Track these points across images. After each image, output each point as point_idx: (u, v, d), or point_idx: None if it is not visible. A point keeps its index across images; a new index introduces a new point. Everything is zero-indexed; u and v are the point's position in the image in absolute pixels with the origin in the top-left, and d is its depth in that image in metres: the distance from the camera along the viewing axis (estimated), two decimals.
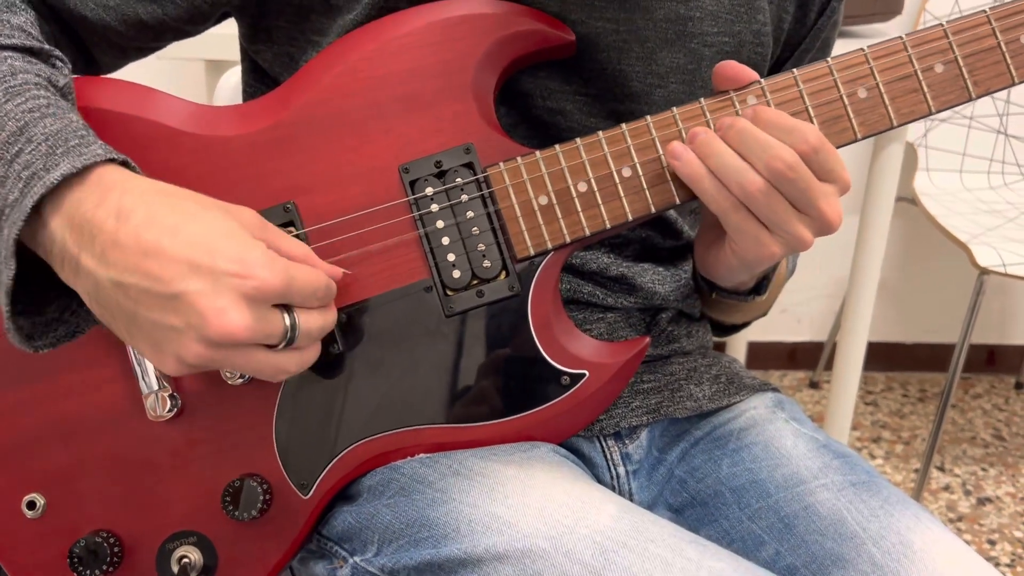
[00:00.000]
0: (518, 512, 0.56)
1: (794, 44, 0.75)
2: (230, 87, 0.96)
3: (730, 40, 0.69)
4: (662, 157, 0.61)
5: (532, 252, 0.61)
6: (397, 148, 0.61)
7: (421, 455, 0.62)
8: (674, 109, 0.61)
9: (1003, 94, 1.83)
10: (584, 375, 0.62)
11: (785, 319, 2.12)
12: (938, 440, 1.61)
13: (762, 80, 0.61)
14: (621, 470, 0.72)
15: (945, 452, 1.87)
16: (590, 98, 0.68)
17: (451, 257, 0.61)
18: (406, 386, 0.62)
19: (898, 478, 1.79)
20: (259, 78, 0.75)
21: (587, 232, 0.61)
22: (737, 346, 2.04)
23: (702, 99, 0.61)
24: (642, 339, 0.65)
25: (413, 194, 0.61)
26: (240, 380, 0.60)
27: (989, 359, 2.17)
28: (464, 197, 0.61)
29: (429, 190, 0.61)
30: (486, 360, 0.62)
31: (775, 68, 0.75)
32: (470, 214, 0.61)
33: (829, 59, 0.61)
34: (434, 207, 0.61)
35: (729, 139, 0.58)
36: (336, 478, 0.62)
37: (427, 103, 0.62)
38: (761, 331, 2.10)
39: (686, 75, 0.68)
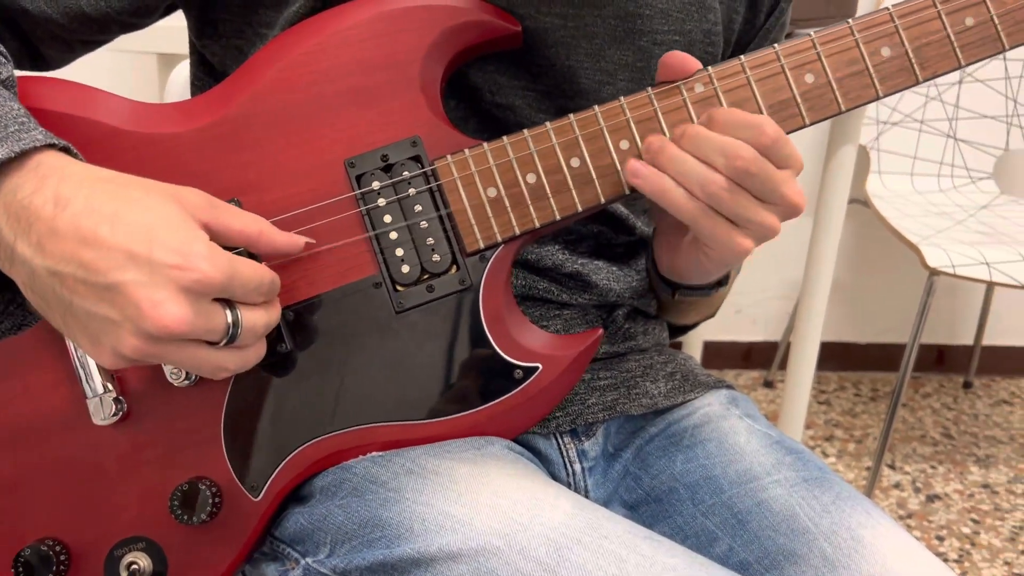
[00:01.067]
0: (472, 510, 0.55)
1: (744, 44, 0.75)
2: (181, 81, 0.94)
3: (680, 39, 0.69)
4: (611, 147, 0.60)
5: (482, 245, 0.61)
6: (343, 142, 0.60)
7: (374, 454, 0.61)
8: (622, 99, 0.60)
9: (952, 99, 1.87)
10: (537, 368, 0.62)
11: (740, 319, 2.14)
12: (889, 439, 1.64)
13: (709, 68, 0.60)
14: (577, 467, 0.71)
15: (896, 450, 1.90)
16: (539, 94, 0.67)
17: (400, 252, 0.60)
18: (357, 384, 0.60)
19: (850, 476, 1.81)
20: (207, 72, 0.73)
21: (537, 224, 0.61)
22: (693, 345, 2.05)
23: (649, 88, 0.61)
24: (595, 331, 0.65)
25: (360, 189, 0.60)
26: (187, 382, 0.59)
27: (939, 359, 2.21)
28: (412, 191, 0.60)
29: (376, 184, 0.60)
30: (438, 355, 0.61)
31: None
32: (418, 208, 0.60)
33: (776, 45, 0.60)
34: (381, 201, 0.60)
35: (685, 146, 0.58)
36: (287, 479, 0.60)
37: (373, 96, 0.61)
38: (717, 331, 2.12)
39: (635, 72, 0.68)
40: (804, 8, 1.47)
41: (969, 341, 2.17)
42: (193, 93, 0.76)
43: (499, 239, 0.61)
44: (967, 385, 2.18)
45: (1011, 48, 0.62)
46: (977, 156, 1.91)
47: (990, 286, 2.03)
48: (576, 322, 0.73)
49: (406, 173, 0.60)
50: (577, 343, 0.64)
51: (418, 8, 0.62)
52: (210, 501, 0.58)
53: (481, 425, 0.62)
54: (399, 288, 0.60)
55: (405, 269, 0.60)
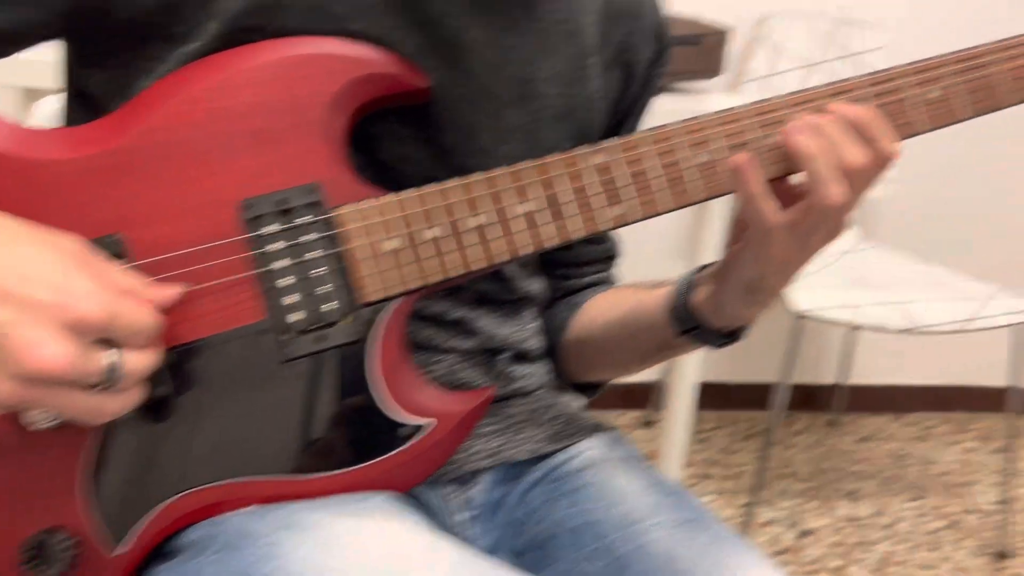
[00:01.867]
0: (353, 566, 0.54)
1: (620, 114, 0.79)
2: (46, 115, 0.91)
3: (565, 104, 0.71)
4: (514, 208, 0.62)
5: (377, 297, 0.60)
6: (239, 183, 0.59)
7: (252, 507, 0.59)
8: (528, 162, 0.62)
9: None
10: (427, 424, 0.62)
11: None
12: (763, 476, 1.70)
13: (615, 139, 0.63)
14: (462, 516, 0.71)
15: (770, 487, 1.97)
16: (439, 149, 0.68)
17: (290, 299, 0.59)
18: (237, 434, 0.59)
19: (727, 513, 1.87)
20: (84, 104, 0.71)
21: (435, 279, 0.61)
22: None
23: (555, 154, 0.63)
24: (487, 389, 0.66)
25: (253, 231, 0.59)
26: (47, 424, 0.56)
27: (807, 397, 2.32)
28: (307, 237, 0.59)
29: (270, 228, 0.59)
30: (325, 408, 0.60)
31: (606, 136, 0.78)
32: (313, 255, 0.59)
33: (677, 122, 0.63)
34: (274, 246, 0.59)
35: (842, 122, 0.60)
36: (154, 532, 0.57)
37: (274, 139, 0.60)
38: None
39: (528, 134, 0.70)
40: (676, 62, 1.53)
41: (835, 380, 2.28)
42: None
43: (394, 292, 0.60)
44: (834, 423, 2.29)
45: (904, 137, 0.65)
46: None
47: (853, 328, 2.15)
48: (459, 367, 0.73)
49: (303, 219, 0.60)
50: (468, 400, 0.64)
51: (326, 56, 0.62)
52: (65, 554, 0.55)
53: (368, 481, 0.61)
54: (287, 336, 0.59)
55: (294, 317, 0.59)
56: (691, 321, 0.72)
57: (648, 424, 2.19)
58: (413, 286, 0.61)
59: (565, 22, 0.71)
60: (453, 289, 0.72)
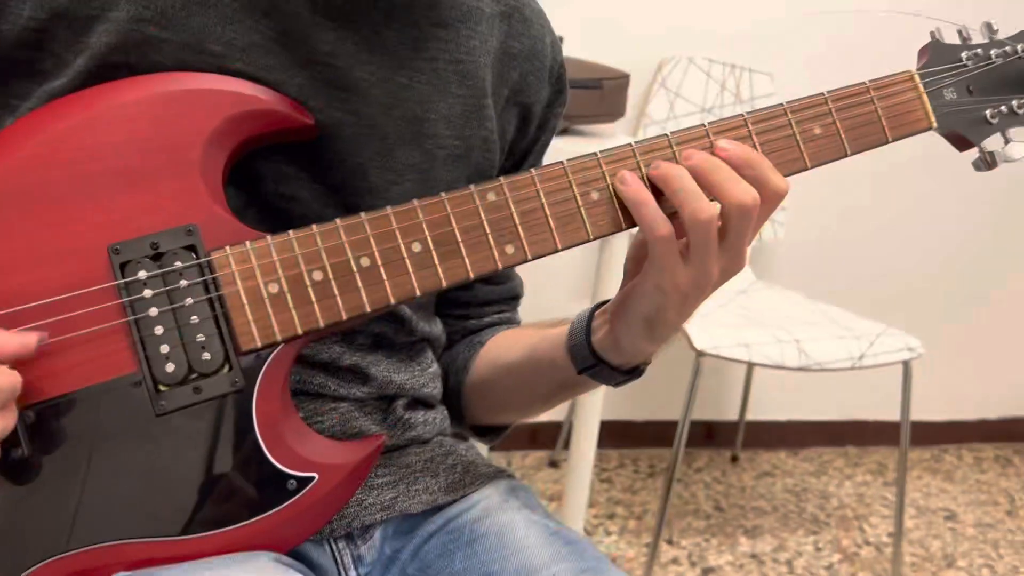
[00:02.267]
0: None
1: (518, 154, 0.79)
2: None
3: (461, 143, 0.70)
4: (403, 249, 0.60)
5: (259, 344, 0.57)
6: (108, 227, 0.56)
7: (121, 574, 0.55)
8: (415, 201, 0.60)
9: None
10: (313, 478, 0.59)
11: None
12: (666, 514, 1.70)
13: (502, 178, 0.61)
14: (353, 574, 0.68)
15: (673, 525, 1.98)
16: (327, 188, 0.66)
17: (164, 349, 0.56)
18: (107, 495, 0.55)
19: (632, 553, 1.87)
20: None
21: (321, 324, 0.58)
22: None
23: (443, 193, 0.61)
24: (376, 438, 0.63)
25: (123, 277, 0.56)
26: None
27: (708, 434, 2.35)
28: (183, 283, 0.56)
29: (142, 274, 0.56)
30: (203, 464, 0.57)
31: (501, 170, 0.78)
32: (189, 301, 0.56)
33: (564, 162, 0.62)
34: (147, 293, 0.56)
35: (698, 169, 0.60)
36: None
37: (146, 179, 0.57)
38: None
39: (421, 173, 0.69)
40: (578, 106, 1.55)
41: (734, 417, 2.33)
42: None
43: (279, 338, 0.57)
44: (734, 459, 2.33)
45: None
46: None
47: (750, 366, 2.20)
48: (353, 416, 0.71)
49: (178, 263, 0.56)
50: (357, 451, 0.61)
51: (203, 91, 0.59)
52: None
53: (249, 540, 0.58)
54: (161, 388, 0.56)
55: (170, 368, 0.56)
56: (589, 359, 0.70)
57: (554, 464, 2.18)
58: (297, 332, 0.58)
59: (459, 63, 0.70)
60: (346, 333, 0.70)
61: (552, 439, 2.20)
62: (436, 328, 0.79)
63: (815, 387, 2.36)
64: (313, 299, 0.58)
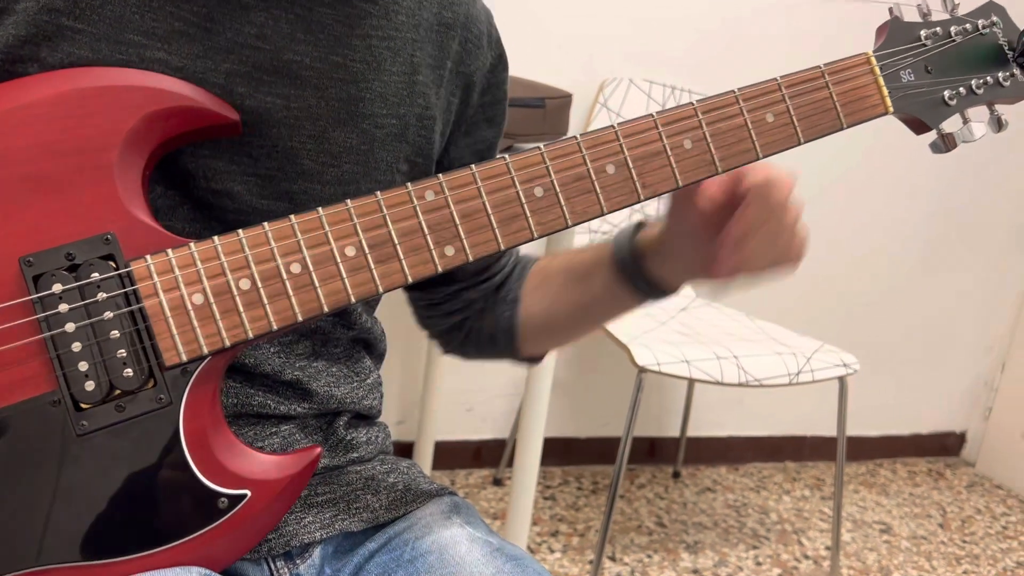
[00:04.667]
0: None
1: (467, 123, 0.77)
2: None
3: (397, 122, 0.69)
4: (336, 253, 0.57)
5: (184, 358, 0.55)
6: (18, 237, 0.53)
7: None
8: (348, 202, 0.58)
9: (653, 210, 2.05)
10: (245, 495, 0.56)
11: (470, 418, 2.16)
12: (608, 530, 1.70)
13: (441, 176, 0.59)
14: None
15: (616, 541, 1.98)
16: (260, 178, 0.63)
17: (84, 366, 0.53)
18: (27, 520, 0.52)
19: (575, 570, 1.86)
20: None
21: (250, 335, 0.56)
22: (424, 447, 2.04)
23: (379, 192, 0.58)
24: (312, 449, 0.61)
25: (37, 291, 0.53)
26: None
27: (650, 450, 2.36)
28: (101, 295, 0.54)
29: (57, 287, 0.53)
30: (129, 484, 0.54)
31: (451, 142, 0.76)
32: (108, 315, 0.54)
33: (507, 156, 0.60)
34: (63, 307, 0.53)
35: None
36: None
37: (58, 185, 0.53)
38: (447, 431, 2.13)
39: (359, 155, 0.67)
40: (521, 124, 1.56)
41: (676, 433, 2.34)
42: None
43: (205, 351, 0.55)
44: (676, 475, 2.34)
45: (723, 171, 0.64)
46: None
47: (691, 382, 2.21)
48: (295, 437, 0.69)
49: (96, 275, 0.53)
50: (291, 465, 0.59)
51: (117, 88, 0.56)
52: None
53: (178, 561, 0.55)
54: (82, 407, 0.53)
55: (90, 386, 0.53)
56: (631, 262, 0.71)
57: (498, 482, 2.16)
58: (224, 344, 0.55)
59: (391, 39, 0.68)
60: (286, 341, 0.68)
61: (496, 457, 2.19)
62: (376, 328, 0.77)
63: (755, 403, 2.40)
64: (240, 308, 0.56)
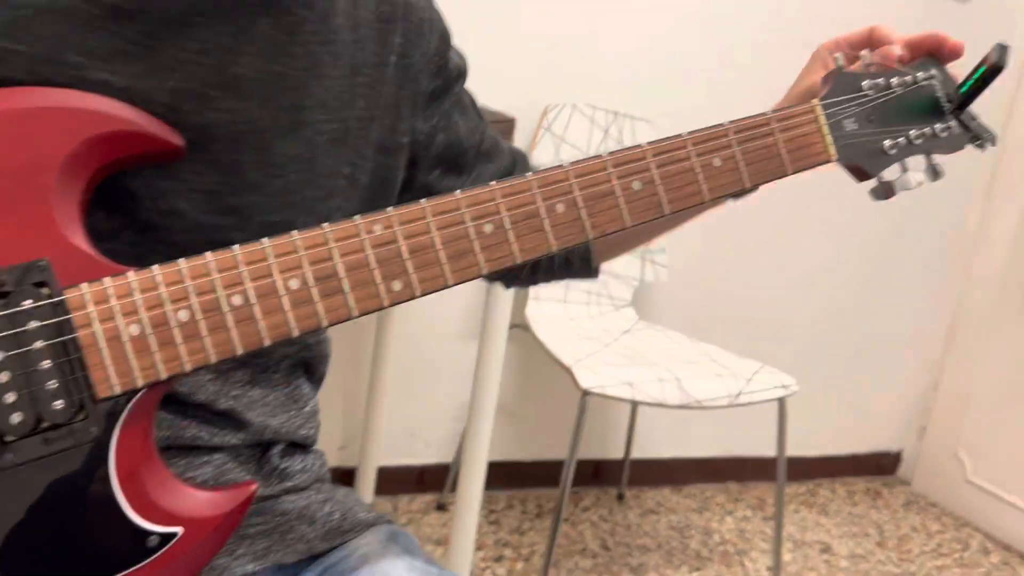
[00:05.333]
0: None
1: (419, 105, 0.76)
2: None
3: (339, 126, 0.68)
4: (280, 286, 0.56)
5: (117, 391, 0.53)
6: None
7: None
8: (295, 233, 0.57)
9: None
10: (176, 534, 0.55)
11: (414, 442, 2.15)
12: (553, 555, 1.70)
13: (391, 209, 0.59)
14: None
15: (560, 565, 1.98)
16: (205, 193, 0.62)
17: (11, 397, 0.51)
18: None
19: None
20: None
21: (187, 368, 0.55)
22: (366, 473, 2.02)
23: (327, 224, 0.58)
24: (247, 486, 0.59)
25: None
26: None
27: (595, 473, 2.37)
28: (32, 324, 0.52)
29: None
30: (55, 521, 0.52)
31: (424, 143, 0.77)
32: (39, 345, 0.52)
33: (459, 192, 0.60)
34: None
35: None
36: None
37: None
38: (390, 455, 2.11)
39: (303, 164, 0.66)
40: None
41: (620, 455, 2.35)
42: None
43: (139, 384, 0.54)
44: (620, 497, 2.35)
45: (671, 213, 0.66)
46: (619, 286, 2.12)
47: (634, 404, 2.23)
48: (228, 467, 0.68)
49: (27, 303, 0.52)
50: (226, 502, 0.58)
51: (57, 110, 0.54)
52: None
53: None
54: (8, 440, 0.51)
55: (16, 418, 0.51)
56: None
57: (442, 508, 2.15)
58: (160, 377, 0.54)
59: (330, 43, 0.68)
60: (222, 369, 0.67)
61: (440, 482, 2.17)
62: (321, 346, 0.76)
63: (698, 424, 2.42)
64: (178, 340, 0.55)
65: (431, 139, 0.78)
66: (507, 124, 1.65)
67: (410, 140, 0.76)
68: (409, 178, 0.78)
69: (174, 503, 0.56)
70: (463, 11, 1.88)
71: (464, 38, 2.04)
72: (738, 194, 0.77)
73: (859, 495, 2.60)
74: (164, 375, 0.55)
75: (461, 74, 0.82)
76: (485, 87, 1.90)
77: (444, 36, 0.79)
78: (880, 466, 2.75)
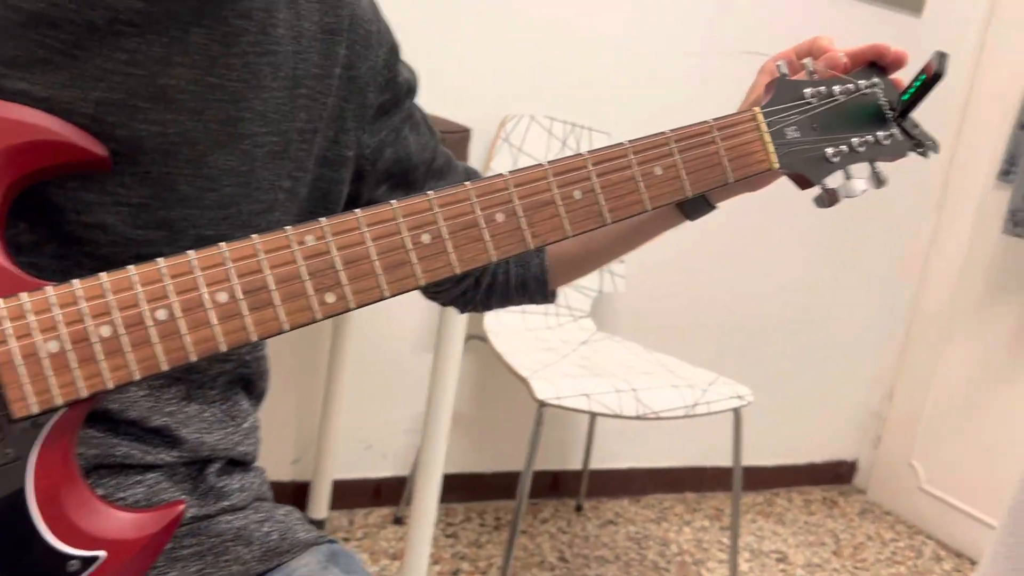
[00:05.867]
0: None
1: (365, 119, 0.75)
2: None
3: (278, 139, 0.67)
4: (206, 297, 0.55)
5: (35, 410, 0.51)
6: None
7: None
8: (222, 245, 0.55)
9: None
10: (98, 557, 0.53)
11: (371, 455, 2.12)
12: (510, 567, 1.69)
13: (323, 220, 0.58)
14: None
15: None
16: (134, 207, 0.61)
17: None
18: None
19: None
20: None
21: (110, 385, 0.53)
22: (321, 486, 2.00)
23: (255, 236, 0.56)
24: (174, 506, 0.58)
25: None
26: None
27: (554, 484, 2.36)
28: None
29: None
30: None
31: (362, 139, 0.76)
32: None
33: (394, 202, 0.59)
34: None
35: None
36: None
37: None
38: (346, 469, 2.08)
39: (240, 177, 0.65)
40: None
41: (579, 466, 2.35)
42: None
43: (58, 403, 0.52)
44: (579, 508, 2.34)
45: (612, 223, 0.65)
46: (578, 297, 2.12)
47: (592, 415, 2.23)
48: (162, 487, 0.66)
49: None
50: (152, 523, 0.56)
51: None
52: None
53: None
54: None
55: None
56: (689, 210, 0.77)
57: (399, 521, 2.12)
58: (80, 395, 0.52)
59: (271, 54, 0.67)
60: (156, 384, 0.65)
61: (397, 495, 2.15)
62: (259, 364, 0.75)
63: (656, 435, 2.43)
64: (100, 357, 0.53)
65: (378, 154, 0.76)
66: (463, 135, 1.64)
67: (356, 154, 0.75)
68: (356, 193, 0.77)
69: (97, 525, 0.54)
70: (419, 21, 1.88)
71: (421, 48, 2.04)
72: (695, 213, 0.77)
73: (815, 504, 2.62)
74: (85, 393, 0.53)
75: (411, 89, 0.80)
76: (442, 98, 1.90)
77: (393, 49, 0.77)
78: (836, 475, 2.77)
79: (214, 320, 0.55)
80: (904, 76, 0.76)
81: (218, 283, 0.55)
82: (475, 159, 1.98)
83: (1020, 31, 2.35)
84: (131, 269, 0.54)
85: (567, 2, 2.01)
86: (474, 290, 0.86)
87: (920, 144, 0.74)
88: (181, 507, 0.58)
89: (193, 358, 0.55)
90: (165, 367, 0.55)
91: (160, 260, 0.54)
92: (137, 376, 0.54)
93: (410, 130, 0.80)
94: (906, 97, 0.72)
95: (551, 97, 2.05)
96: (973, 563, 2.38)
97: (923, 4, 2.36)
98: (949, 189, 2.55)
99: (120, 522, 0.55)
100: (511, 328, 1.99)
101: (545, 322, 2.07)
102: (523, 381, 1.67)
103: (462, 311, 0.89)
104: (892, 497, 2.66)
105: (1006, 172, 2.32)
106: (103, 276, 0.53)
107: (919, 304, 2.64)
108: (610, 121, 2.09)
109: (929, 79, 0.70)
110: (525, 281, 0.85)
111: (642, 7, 2.08)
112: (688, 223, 0.80)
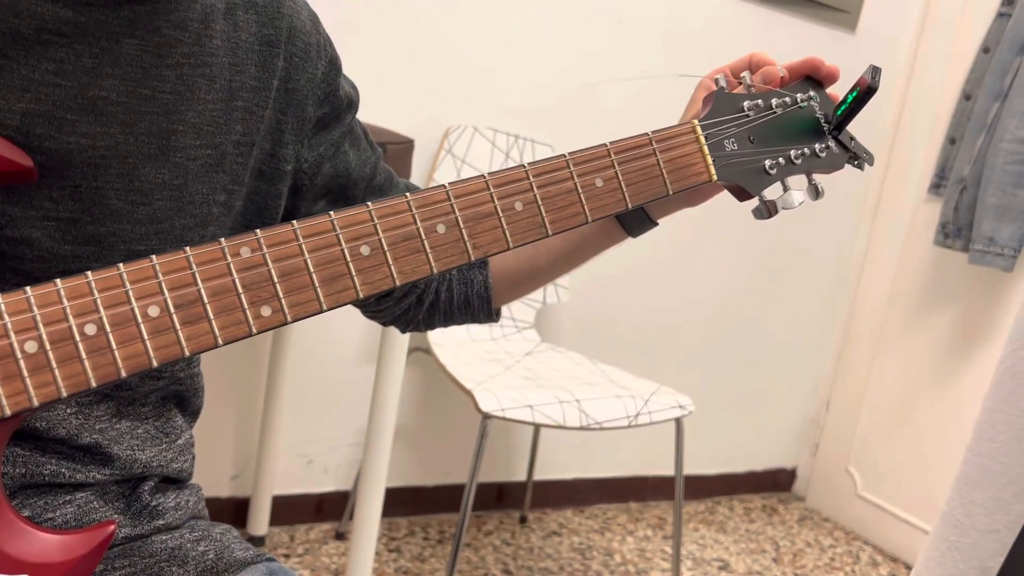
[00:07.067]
0: None
1: (305, 132, 0.74)
2: None
3: (213, 152, 0.66)
4: (137, 314, 0.53)
5: None
6: None
7: None
8: (153, 258, 0.54)
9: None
10: None
11: (312, 470, 2.09)
12: None
13: (258, 231, 0.56)
14: None
15: None
16: (62, 222, 0.59)
17: None
18: None
19: None
20: None
21: (35, 403, 0.51)
22: (261, 502, 1.96)
23: (188, 248, 0.55)
24: (104, 526, 0.56)
25: None
26: None
27: (498, 496, 2.35)
28: None
29: None
30: None
31: (300, 153, 0.74)
32: None
33: (332, 214, 0.58)
34: None
35: None
36: None
37: None
38: (286, 484, 2.05)
39: (172, 191, 0.63)
40: None
41: (523, 477, 2.34)
42: None
43: None
44: (523, 520, 2.34)
45: (553, 234, 0.65)
46: (522, 308, 2.12)
47: (536, 426, 2.23)
48: (94, 506, 0.63)
49: None
50: (79, 545, 0.54)
51: None
52: None
53: None
54: None
55: None
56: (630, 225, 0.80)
57: (341, 536, 2.10)
58: (5, 413, 0.50)
59: (206, 66, 0.65)
60: (85, 401, 0.63)
61: (339, 510, 2.12)
62: (192, 381, 0.73)
63: (599, 445, 2.43)
64: (24, 374, 0.51)
65: (317, 168, 0.75)
66: (405, 145, 1.63)
67: (294, 168, 0.74)
68: (293, 207, 0.76)
69: (20, 548, 0.52)
70: (364, 32, 1.87)
71: (365, 58, 2.03)
72: (637, 229, 0.78)
73: (756, 512, 2.65)
74: (8, 411, 0.51)
75: (352, 104, 0.80)
76: (385, 108, 1.89)
77: (333, 63, 0.77)
78: (776, 482, 2.81)
79: (145, 334, 0.53)
80: (839, 90, 0.77)
81: (149, 296, 0.54)
82: (418, 170, 1.98)
83: (951, 47, 2.42)
84: (58, 283, 0.52)
85: (511, 13, 2.02)
86: (416, 308, 0.85)
87: (856, 156, 0.76)
88: (112, 527, 0.56)
89: (124, 374, 0.53)
90: (94, 383, 0.53)
91: (89, 273, 0.53)
92: (65, 393, 0.52)
93: (350, 145, 0.79)
94: (841, 110, 0.74)
95: (494, 108, 2.06)
96: (908, 567, 2.44)
97: (857, 21, 2.43)
98: (883, 201, 2.61)
99: (45, 544, 0.53)
100: (455, 340, 1.98)
101: (489, 333, 2.07)
102: (467, 393, 1.66)
103: (404, 330, 0.88)
104: (830, 504, 2.70)
105: (936, 185, 2.39)
106: (28, 290, 0.51)
107: (854, 314, 2.70)
108: (554, 133, 2.10)
109: (863, 93, 0.72)
110: (468, 299, 0.85)
111: (582, 22, 2.10)
112: (631, 240, 0.81)
